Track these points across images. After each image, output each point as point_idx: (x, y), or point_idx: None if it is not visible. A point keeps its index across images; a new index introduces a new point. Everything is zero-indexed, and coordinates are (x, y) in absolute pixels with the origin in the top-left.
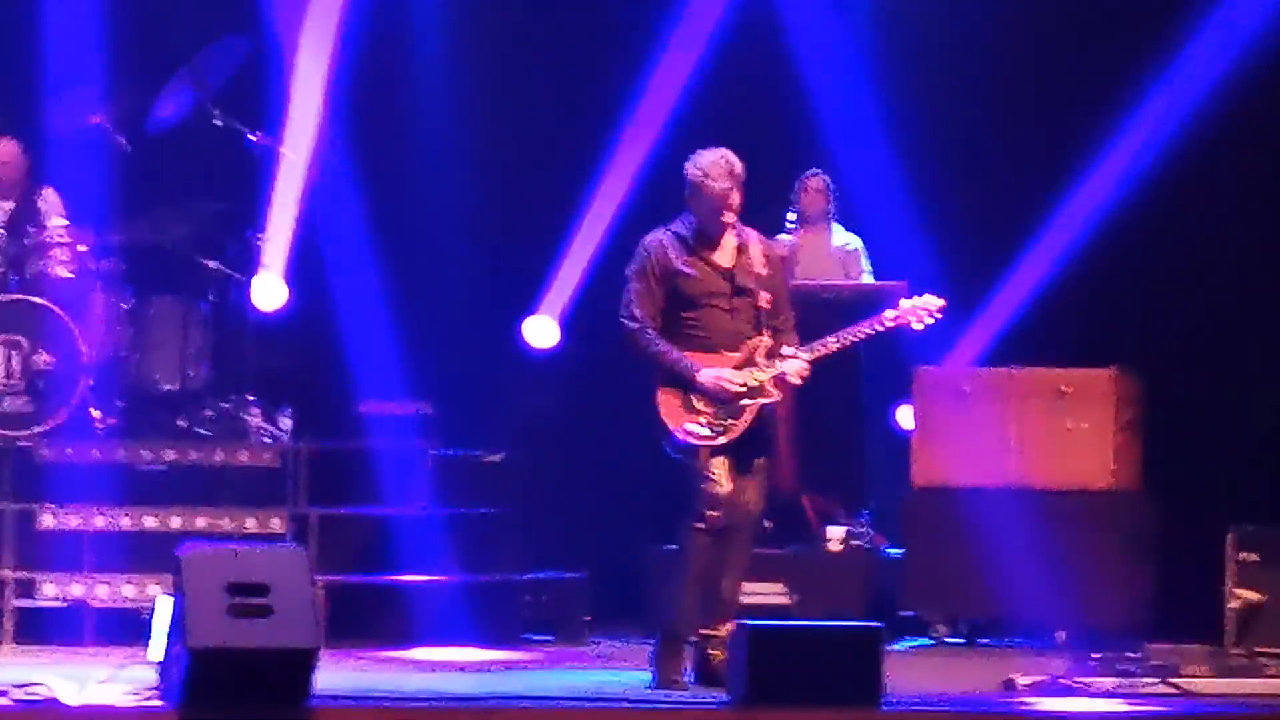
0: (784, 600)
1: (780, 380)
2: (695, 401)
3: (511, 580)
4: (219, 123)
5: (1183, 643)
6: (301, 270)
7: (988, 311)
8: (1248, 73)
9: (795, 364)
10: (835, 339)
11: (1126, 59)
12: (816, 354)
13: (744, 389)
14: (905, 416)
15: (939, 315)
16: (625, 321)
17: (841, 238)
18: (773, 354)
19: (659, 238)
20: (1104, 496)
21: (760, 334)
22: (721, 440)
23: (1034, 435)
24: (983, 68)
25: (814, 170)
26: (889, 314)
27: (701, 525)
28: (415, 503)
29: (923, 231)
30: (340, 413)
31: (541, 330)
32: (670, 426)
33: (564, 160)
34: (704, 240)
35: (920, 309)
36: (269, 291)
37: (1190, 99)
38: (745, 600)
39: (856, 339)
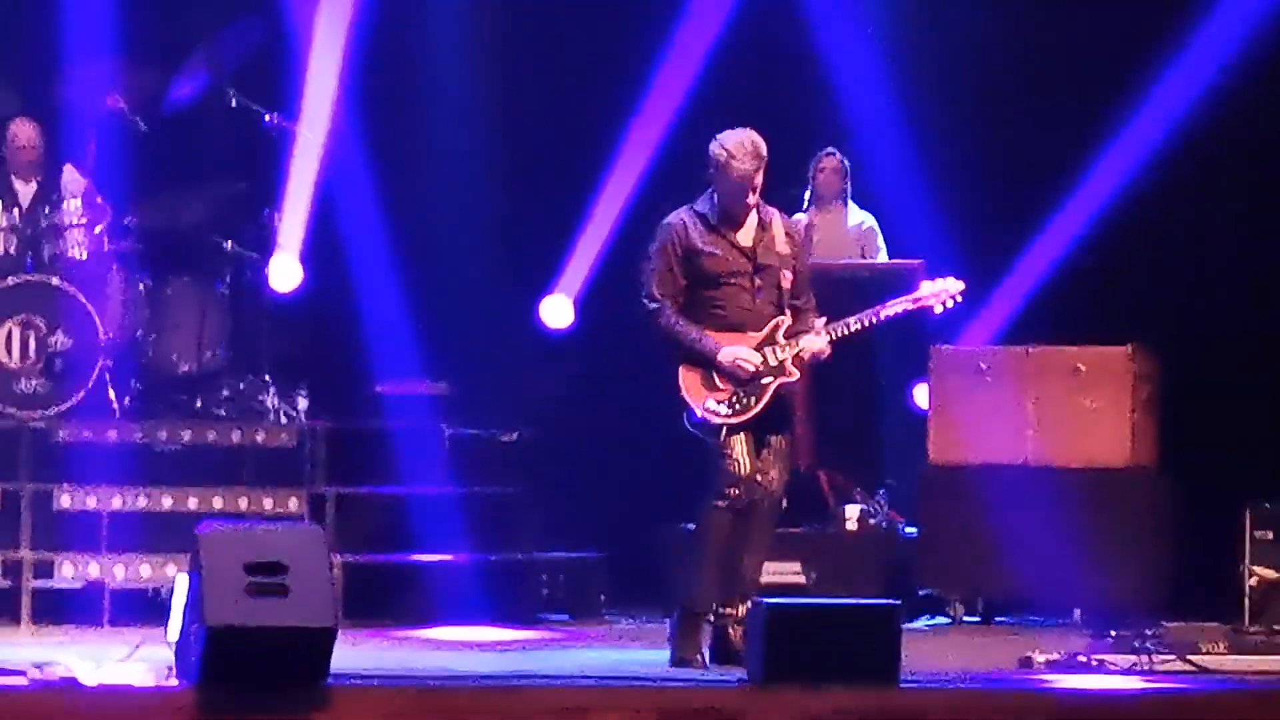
0: (800, 579)
1: (800, 359)
2: (716, 380)
3: (528, 559)
4: (235, 103)
5: (1200, 620)
6: (317, 250)
7: (1004, 289)
8: (1271, 46)
9: (816, 342)
10: (856, 320)
11: (1147, 34)
12: (837, 334)
13: (762, 368)
14: (921, 395)
15: (959, 299)
16: (645, 301)
17: (857, 217)
18: (793, 333)
19: (681, 217)
20: (1120, 474)
21: (782, 313)
22: (741, 419)
23: (1050, 413)
24: (1001, 43)
25: (829, 149)
26: (910, 297)
27: (721, 503)
28: (432, 482)
29: (938, 209)
30: (356, 393)
31: (558, 310)
32: (691, 403)
33: (580, 139)
34: (726, 219)
35: (941, 292)
36: (285, 272)
37: (1211, 74)
38: (763, 579)
39: (877, 321)
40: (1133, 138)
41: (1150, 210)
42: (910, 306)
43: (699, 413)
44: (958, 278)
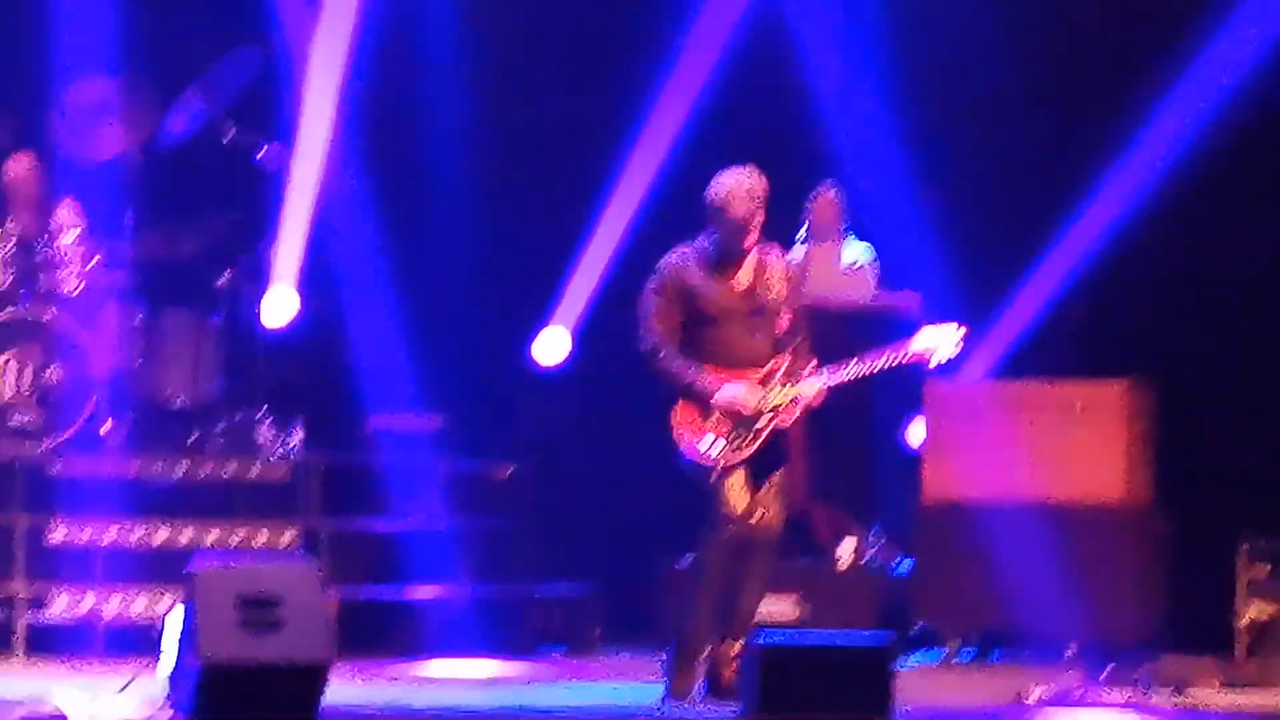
0: (795, 613)
1: (797, 402)
2: (713, 418)
3: (523, 593)
4: (232, 135)
5: (1195, 656)
6: (313, 282)
7: (1000, 324)
8: (1265, 81)
9: (812, 387)
10: (857, 364)
11: (1141, 69)
12: (834, 380)
13: (758, 410)
14: (916, 430)
15: (960, 347)
16: (644, 337)
17: (853, 252)
18: (791, 374)
19: (680, 255)
20: (1116, 510)
21: (780, 353)
22: (738, 457)
23: (1046, 449)
24: (996, 77)
25: (828, 181)
26: (909, 351)
27: (717, 541)
28: (427, 516)
29: (934, 242)
30: (352, 426)
31: (554, 342)
32: (683, 443)
33: (577, 171)
34: (725, 259)
35: (943, 341)
36: (280, 304)
37: (1208, 107)
38: (759, 614)
39: (874, 369)
40: (1132, 170)
41: (1149, 245)
42: (909, 359)
43: (690, 455)
44: (959, 321)
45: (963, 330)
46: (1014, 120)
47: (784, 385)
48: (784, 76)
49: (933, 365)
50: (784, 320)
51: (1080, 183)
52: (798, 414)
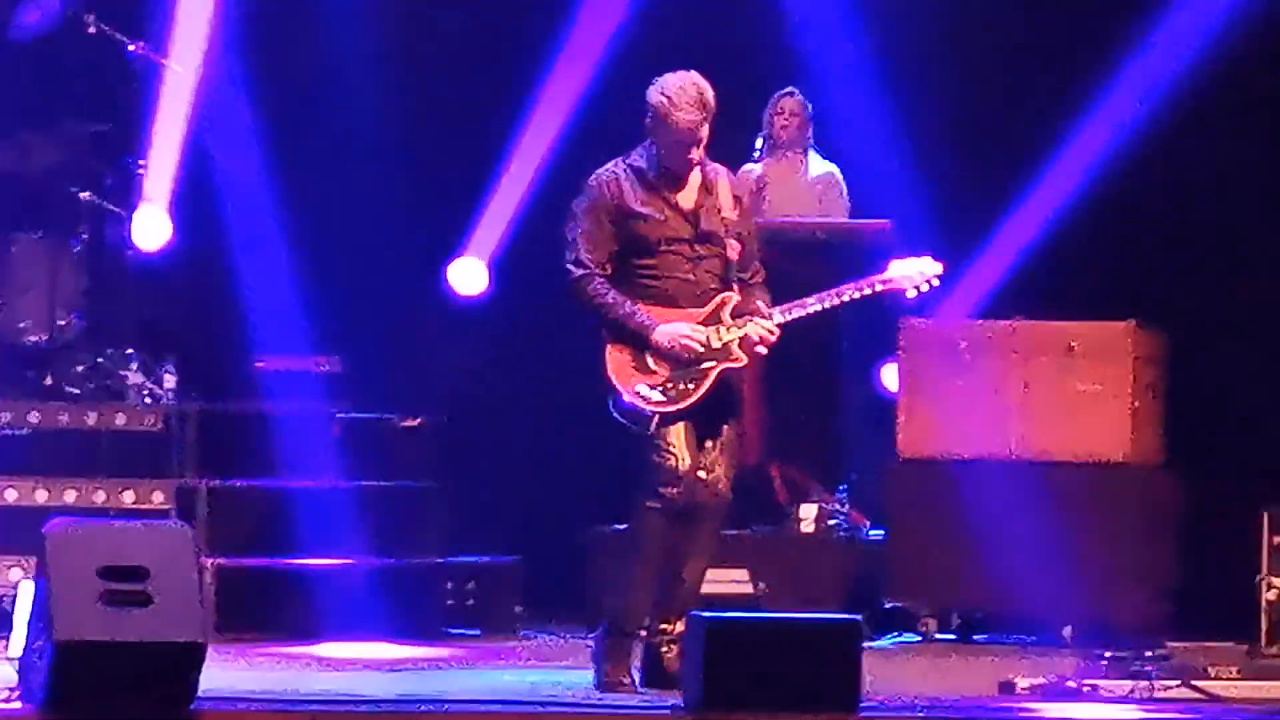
0: (748, 589)
1: (747, 343)
2: (650, 361)
3: (432, 565)
4: (93, 30)
5: (1209, 640)
6: (190, 204)
7: (986, 255)
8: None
9: (763, 326)
10: (815, 300)
11: None
12: (789, 317)
13: (706, 350)
14: (890, 376)
15: (936, 282)
16: (570, 267)
17: (819, 167)
18: (740, 312)
19: (613, 171)
20: (1120, 470)
21: (728, 287)
22: (677, 407)
23: (1039, 399)
24: None
25: (788, 89)
26: (878, 278)
27: (656, 504)
28: (321, 474)
29: (911, 162)
30: (234, 369)
31: (469, 275)
32: (619, 387)
33: (492, 81)
34: (666, 177)
35: (915, 274)
36: (152, 228)
37: (1225, 17)
38: (705, 589)
39: (838, 302)
40: (1138, 79)
41: (1158, 165)
42: (878, 288)
43: (627, 398)
44: (934, 255)
45: (939, 266)
46: (1006, 24)
47: (732, 324)
48: None
49: (911, 296)
50: (733, 249)
51: (1082, 91)
52: (748, 358)
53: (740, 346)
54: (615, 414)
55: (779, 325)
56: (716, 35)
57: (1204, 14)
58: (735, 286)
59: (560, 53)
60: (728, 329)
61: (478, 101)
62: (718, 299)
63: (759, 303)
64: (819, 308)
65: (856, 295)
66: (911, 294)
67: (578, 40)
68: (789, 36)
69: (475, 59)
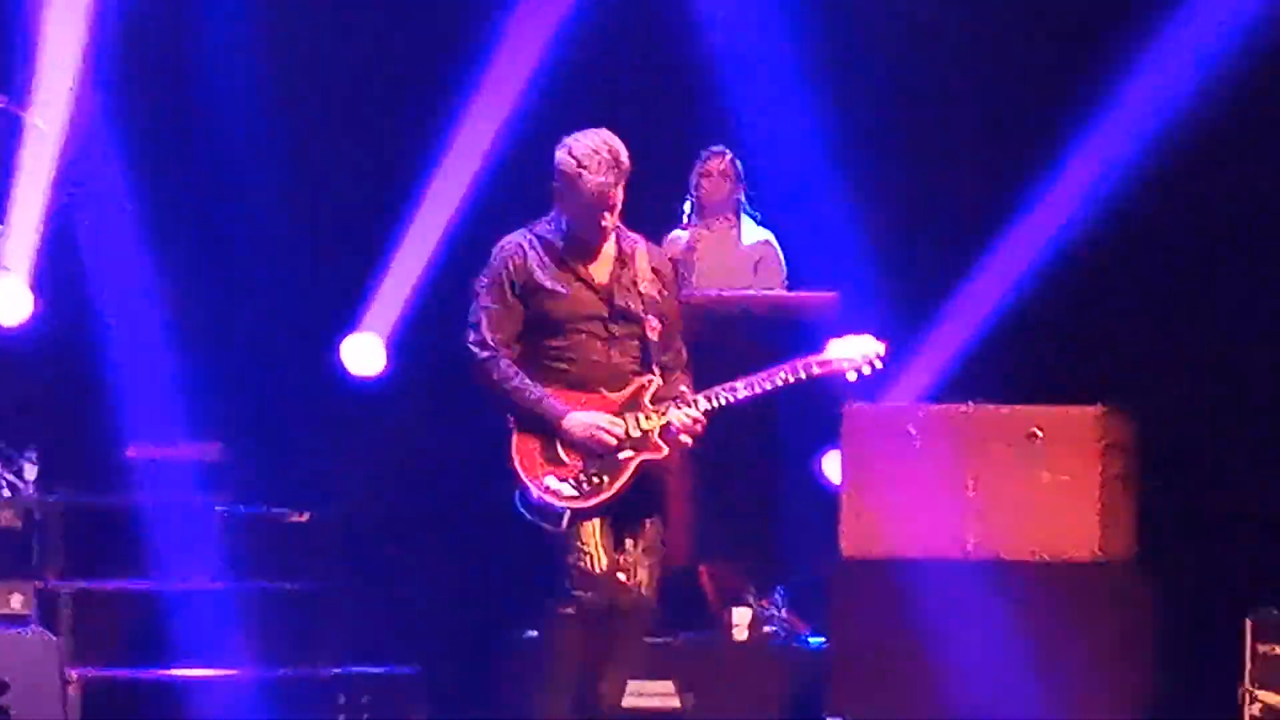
0: (675, 703)
1: (669, 432)
2: (561, 451)
3: (325, 676)
4: None
5: None
6: (54, 274)
7: (939, 332)
8: (1252, 53)
9: (687, 414)
10: (745, 384)
11: (1119, 30)
12: (717, 403)
13: (623, 440)
14: (832, 467)
15: (879, 364)
16: (473, 348)
17: (753, 234)
18: (661, 398)
19: (518, 242)
20: (1088, 570)
21: (648, 370)
22: (591, 502)
23: (998, 492)
24: (940, 30)
25: (717, 148)
26: (815, 359)
27: (569, 609)
28: (199, 575)
29: (855, 229)
30: (102, 458)
31: (364, 353)
32: (526, 480)
33: (393, 137)
34: (576, 248)
35: (856, 355)
36: (11, 300)
37: (1196, 76)
38: (626, 703)
39: (770, 387)
40: (1106, 145)
41: (1128, 236)
42: (815, 371)
43: (535, 492)
44: (880, 332)
45: (881, 346)
46: (962, 82)
47: (652, 411)
48: (662, 21)
49: (852, 379)
50: (652, 329)
51: (1046, 156)
52: (669, 449)
53: (661, 436)
54: (523, 510)
55: (705, 413)
56: (638, 88)
57: (1167, 85)
58: (656, 369)
59: (467, 109)
60: (647, 417)
61: (374, 161)
62: (637, 383)
63: (682, 388)
64: (749, 394)
65: (791, 379)
66: (852, 376)
67: (485, 95)
68: (719, 89)
69: (371, 115)
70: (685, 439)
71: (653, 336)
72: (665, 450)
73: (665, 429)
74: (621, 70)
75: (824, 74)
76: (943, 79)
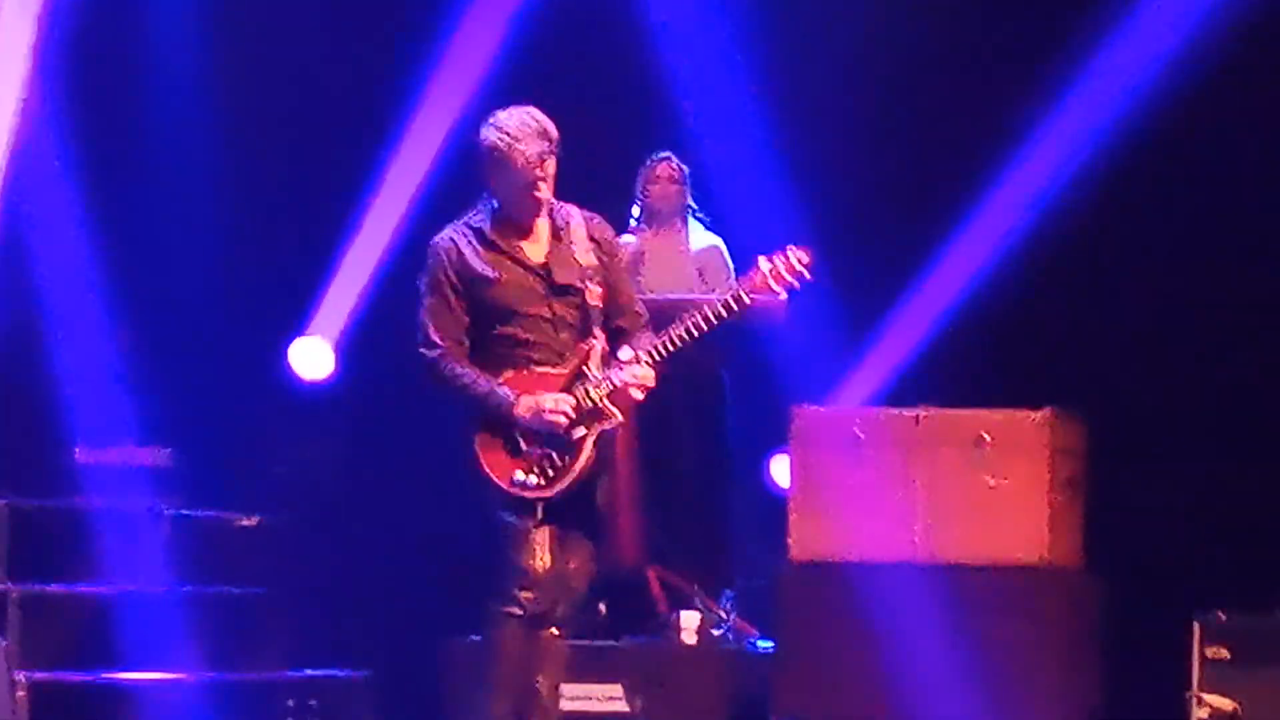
0: (622, 706)
1: (619, 394)
2: (521, 442)
3: (272, 680)
4: None
5: None
6: (0, 278)
7: (887, 336)
8: (1201, 58)
9: (633, 371)
10: (680, 327)
11: (1075, 25)
12: (659, 354)
13: (577, 412)
14: (781, 470)
15: (807, 273)
16: (423, 351)
17: (701, 239)
18: (607, 359)
19: (450, 237)
20: (1036, 574)
21: (589, 336)
22: (558, 488)
23: (946, 495)
24: (889, 36)
25: (663, 154)
26: (745, 283)
27: (513, 610)
28: (147, 579)
29: (804, 233)
30: (49, 462)
31: (312, 356)
32: (495, 480)
33: (340, 144)
34: (509, 229)
35: (783, 268)
36: None
37: (1153, 73)
38: (571, 706)
39: (708, 325)
40: (1050, 148)
41: (1077, 239)
42: (748, 298)
43: (506, 490)
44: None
45: (806, 254)
46: (910, 85)
47: (600, 380)
48: (610, 24)
49: (783, 297)
50: (594, 296)
51: (993, 159)
52: (624, 412)
53: (612, 400)
54: (500, 512)
55: (652, 364)
56: (585, 94)
57: (1110, 89)
58: (600, 333)
59: (415, 111)
60: (596, 385)
61: (323, 164)
62: (580, 353)
63: (628, 347)
64: (686, 336)
65: (724, 313)
66: (783, 294)
67: (433, 98)
68: (666, 92)
69: (319, 117)
70: (636, 394)
71: (595, 304)
72: (619, 416)
73: (614, 393)
74: (568, 75)
75: (772, 78)
76: (890, 84)
